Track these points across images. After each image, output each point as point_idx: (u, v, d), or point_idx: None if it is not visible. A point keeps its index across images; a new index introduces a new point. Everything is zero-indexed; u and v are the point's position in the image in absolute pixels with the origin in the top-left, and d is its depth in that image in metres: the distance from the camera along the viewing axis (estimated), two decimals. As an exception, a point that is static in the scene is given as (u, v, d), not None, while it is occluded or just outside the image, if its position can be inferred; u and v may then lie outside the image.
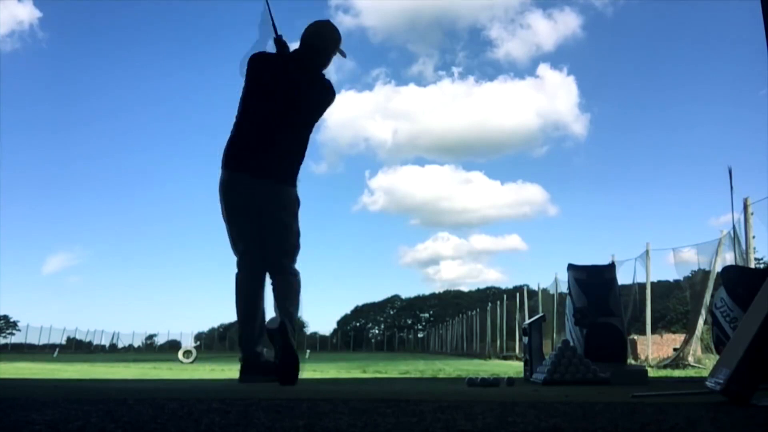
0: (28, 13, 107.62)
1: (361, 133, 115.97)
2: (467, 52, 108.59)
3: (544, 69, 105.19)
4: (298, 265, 3.45)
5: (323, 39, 3.53)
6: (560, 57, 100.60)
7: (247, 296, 3.38)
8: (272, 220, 3.36)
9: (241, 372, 3.35)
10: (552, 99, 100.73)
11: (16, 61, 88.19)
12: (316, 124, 3.57)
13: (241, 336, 3.37)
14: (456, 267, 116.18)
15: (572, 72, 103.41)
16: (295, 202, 3.45)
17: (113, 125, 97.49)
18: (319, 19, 3.60)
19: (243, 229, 3.37)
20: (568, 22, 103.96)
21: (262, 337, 3.40)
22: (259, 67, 3.40)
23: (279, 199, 3.37)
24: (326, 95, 3.55)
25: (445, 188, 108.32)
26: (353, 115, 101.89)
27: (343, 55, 3.58)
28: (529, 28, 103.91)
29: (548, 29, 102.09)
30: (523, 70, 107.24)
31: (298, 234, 3.46)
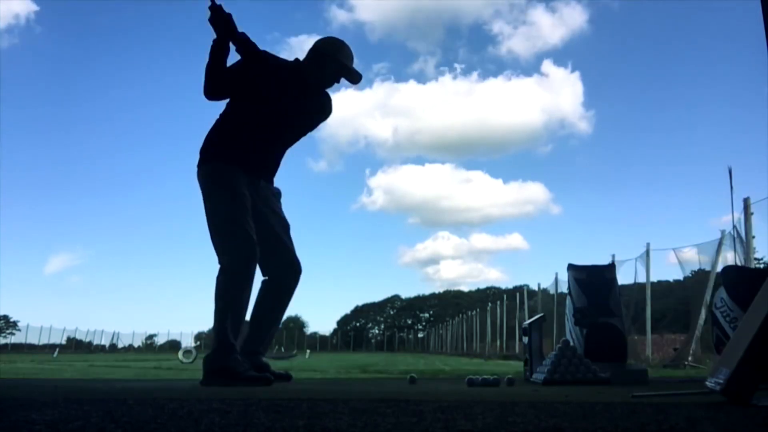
0: (24, 7, 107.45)
1: (360, 131, 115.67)
2: (469, 48, 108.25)
3: (548, 65, 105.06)
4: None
5: (335, 46, 3.43)
6: (565, 53, 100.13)
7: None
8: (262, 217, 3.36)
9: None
10: (556, 96, 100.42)
11: (12, 57, 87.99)
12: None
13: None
14: (456, 266, 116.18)
15: (577, 68, 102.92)
16: (278, 195, 3.49)
17: (113, 125, 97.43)
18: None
19: (245, 213, 3.27)
20: (574, 17, 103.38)
21: (249, 336, 3.40)
22: (253, 68, 3.33)
23: (265, 197, 3.39)
24: (321, 109, 3.49)
25: (445, 187, 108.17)
26: (353, 112, 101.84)
27: (354, 79, 3.43)
28: (533, 24, 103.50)
29: (553, 24, 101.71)
30: (527, 66, 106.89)
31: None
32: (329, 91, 3.50)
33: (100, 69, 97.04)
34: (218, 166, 3.28)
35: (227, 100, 3.41)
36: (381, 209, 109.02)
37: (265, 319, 3.42)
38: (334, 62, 3.38)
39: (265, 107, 3.33)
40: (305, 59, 3.44)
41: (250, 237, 3.19)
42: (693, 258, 9.96)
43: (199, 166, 3.33)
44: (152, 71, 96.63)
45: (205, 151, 3.34)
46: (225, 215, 3.23)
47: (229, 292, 3.17)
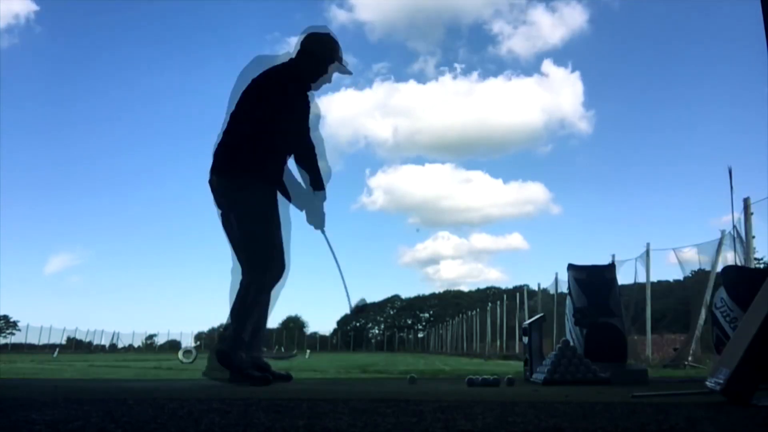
0: (24, 7, 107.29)
1: (360, 131, 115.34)
2: (469, 48, 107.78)
3: (548, 65, 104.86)
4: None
5: (324, 45, 3.52)
6: (565, 53, 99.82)
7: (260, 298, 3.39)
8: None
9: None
10: (556, 96, 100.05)
11: (12, 57, 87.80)
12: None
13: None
14: (456, 266, 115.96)
15: (577, 68, 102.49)
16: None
17: (113, 125, 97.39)
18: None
19: (277, 231, 3.39)
20: (574, 17, 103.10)
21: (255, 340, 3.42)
22: (276, 90, 3.39)
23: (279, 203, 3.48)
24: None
25: (445, 187, 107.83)
26: (353, 112, 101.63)
27: (347, 71, 3.59)
28: (533, 24, 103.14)
29: (553, 24, 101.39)
30: (527, 66, 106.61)
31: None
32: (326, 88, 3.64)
33: (100, 69, 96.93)
34: (260, 187, 3.36)
35: (239, 115, 3.44)
36: (381, 209, 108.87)
37: (261, 318, 3.44)
38: (327, 64, 3.50)
39: (279, 126, 3.38)
40: (298, 59, 3.50)
41: (282, 258, 3.39)
42: (693, 258, 9.95)
43: (232, 179, 3.37)
44: (152, 71, 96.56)
45: (238, 167, 3.36)
46: (266, 235, 3.36)
47: (253, 306, 3.31)
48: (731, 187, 5.81)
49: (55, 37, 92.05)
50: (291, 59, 3.52)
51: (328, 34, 3.58)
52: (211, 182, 3.40)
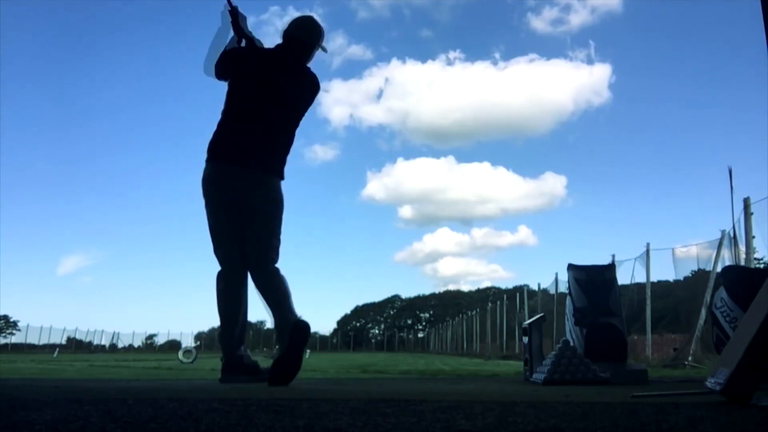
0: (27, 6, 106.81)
1: (363, 123, 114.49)
2: (475, 34, 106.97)
3: (550, 61, 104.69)
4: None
5: (306, 31, 3.54)
6: (567, 48, 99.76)
7: (232, 296, 3.35)
8: (257, 212, 3.32)
9: (222, 372, 3.33)
10: (557, 96, 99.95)
11: (12, 57, 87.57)
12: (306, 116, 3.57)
13: (223, 337, 3.35)
14: (457, 264, 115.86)
15: (586, 61, 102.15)
16: (281, 198, 3.40)
17: (112, 125, 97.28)
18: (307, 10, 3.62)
19: (226, 224, 3.32)
20: (576, 16, 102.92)
21: (244, 337, 3.38)
22: (235, 60, 3.42)
23: (265, 191, 3.33)
24: (310, 87, 3.53)
25: (446, 181, 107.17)
26: (352, 102, 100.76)
27: (324, 50, 3.59)
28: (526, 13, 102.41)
29: (551, 17, 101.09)
30: (526, 62, 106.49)
31: (280, 232, 3.41)
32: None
33: (119, 66, 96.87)
34: (205, 169, 3.34)
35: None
36: (380, 204, 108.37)
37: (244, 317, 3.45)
38: (308, 46, 3.52)
39: (246, 94, 3.36)
40: (281, 44, 3.52)
41: (230, 248, 3.33)
42: (692, 258, 9.97)
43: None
44: (171, 68, 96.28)
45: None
46: (211, 224, 3.36)
47: (221, 302, 3.35)
48: (731, 187, 5.82)
49: (56, 35, 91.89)
50: (276, 45, 3.54)
51: (311, 21, 3.58)
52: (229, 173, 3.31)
